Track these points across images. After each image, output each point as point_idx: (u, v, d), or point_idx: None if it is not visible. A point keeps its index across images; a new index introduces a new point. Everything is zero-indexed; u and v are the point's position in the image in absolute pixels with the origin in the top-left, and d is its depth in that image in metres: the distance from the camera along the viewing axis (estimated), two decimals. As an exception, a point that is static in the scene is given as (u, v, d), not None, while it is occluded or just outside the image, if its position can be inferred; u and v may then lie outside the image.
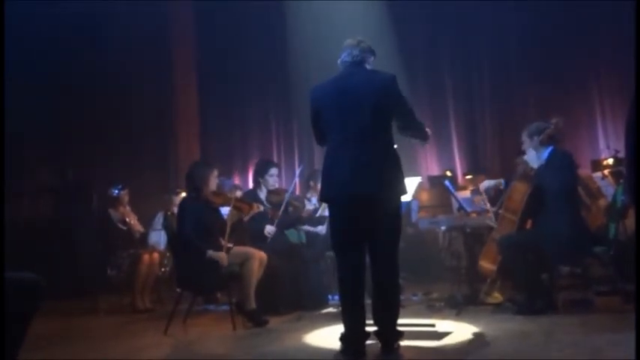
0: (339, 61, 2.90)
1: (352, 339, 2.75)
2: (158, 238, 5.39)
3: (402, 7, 6.73)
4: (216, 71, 7.79)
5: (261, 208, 4.40)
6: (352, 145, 2.71)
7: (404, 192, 2.80)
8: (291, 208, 4.67)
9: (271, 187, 4.67)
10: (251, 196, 4.64)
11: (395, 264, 2.76)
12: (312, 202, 5.00)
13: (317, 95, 2.87)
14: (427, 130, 2.96)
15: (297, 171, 5.87)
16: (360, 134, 2.71)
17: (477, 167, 6.98)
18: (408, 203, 5.12)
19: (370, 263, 2.78)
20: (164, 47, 7.36)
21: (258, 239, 4.44)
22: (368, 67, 2.88)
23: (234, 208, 4.23)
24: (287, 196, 4.57)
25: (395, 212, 2.76)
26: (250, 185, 6.85)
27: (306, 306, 4.34)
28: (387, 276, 2.74)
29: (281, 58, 7.47)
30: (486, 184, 4.15)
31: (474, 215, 4.32)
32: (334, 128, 2.79)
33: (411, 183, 5.16)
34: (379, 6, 6.63)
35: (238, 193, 5.31)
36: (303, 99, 8.32)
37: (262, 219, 4.48)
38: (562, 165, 3.70)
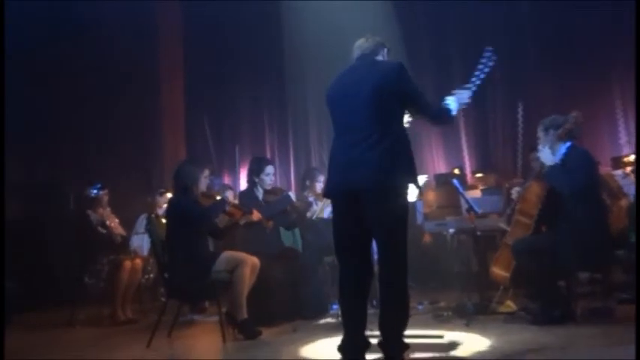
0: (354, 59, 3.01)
1: (350, 348, 2.75)
2: (141, 242, 5.39)
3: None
4: (205, 66, 7.82)
5: (258, 216, 4.44)
6: (350, 138, 2.78)
7: (407, 184, 2.79)
8: (289, 208, 4.69)
9: (268, 187, 4.70)
10: (248, 197, 4.65)
11: (399, 265, 2.73)
12: (314, 202, 5.03)
13: (328, 92, 2.98)
14: (450, 108, 2.94)
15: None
16: (359, 127, 2.77)
17: (487, 165, 6.98)
18: (413, 204, 5.14)
19: (378, 267, 2.80)
20: (151, 42, 7.38)
21: (250, 243, 4.44)
22: (380, 58, 2.97)
23: (225, 212, 4.24)
24: (285, 195, 4.59)
25: (397, 208, 2.74)
26: (241, 185, 6.86)
27: (303, 316, 4.34)
28: (391, 279, 2.73)
29: (275, 53, 7.51)
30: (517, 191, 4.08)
31: (484, 217, 4.33)
32: (338, 123, 2.89)
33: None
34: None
35: (229, 194, 5.29)
36: (298, 94, 8.35)
37: (259, 226, 4.52)
38: (580, 164, 3.69)
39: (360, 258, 2.80)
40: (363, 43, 2.97)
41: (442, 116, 2.95)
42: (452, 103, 2.96)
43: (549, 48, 6.81)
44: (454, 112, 2.95)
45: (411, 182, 2.79)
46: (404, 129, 2.84)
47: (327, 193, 3.01)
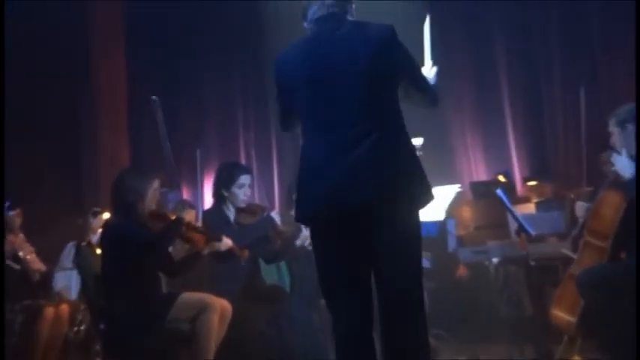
0: (305, 23, 2.94)
1: None
2: (67, 281, 5.36)
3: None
4: (155, 42, 7.86)
5: (228, 243, 4.39)
6: (337, 136, 2.70)
7: (424, 199, 2.77)
8: (271, 233, 4.69)
9: (241, 204, 4.68)
10: (215, 218, 4.63)
11: (417, 312, 2.72)
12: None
13: (284, 67, 2.89)
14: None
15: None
16: (351, 117, 2.71)
17: (544, 169, 7.04)
18: (442, 223, 5.18)
19: (380, 314, 2.76)
20: (81, 6, 7.44)
21: (219, 281, 4.43)
22: (351, 18, 2.91)
23: (183, 239, 4.23)
24: (266, 216, 4.60)
25: (409, 231, 2.73)
26: (206, 201, 6.79)
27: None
28: (405, 332, 2.70)
29: (252, 28, 7.65)
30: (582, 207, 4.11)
31: (540, 240, 4.35)
32: (312, 113, 2.80)
33: (445, 193, 5.10)
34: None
35: (190, 214, 5.23)
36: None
37: (231, 258, 4.51)
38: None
39: (359, 304, 2.77)
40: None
41: (432, 96, 2.97)
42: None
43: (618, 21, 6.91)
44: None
45: (429, 194, 2.78)
46: (403, 119, 2.82)
47: (304, 216, 2.85)
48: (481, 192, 6.42)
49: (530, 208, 5.68)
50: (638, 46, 5.01)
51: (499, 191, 4.59)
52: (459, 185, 6.27)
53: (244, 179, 4.68)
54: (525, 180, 6.99)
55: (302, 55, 2.85)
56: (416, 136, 6.55)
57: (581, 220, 4.10)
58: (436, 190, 5.29)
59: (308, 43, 2.88)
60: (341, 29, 2.82)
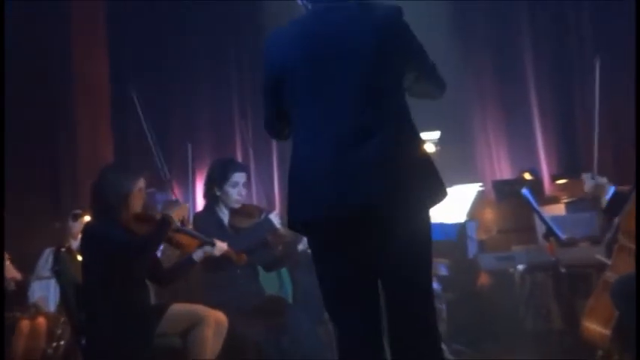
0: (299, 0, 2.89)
1: None
2: (45, 291, 5.38)
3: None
4: (139, 23, 7.94)
5: (223, 248, 4.39)
6: (338, 130, 2.65)
7: (436, 198, 2.74)
8: (271, 237, 4.70)
9: (236, 205, 4.67)
10: (208, 220, 4.64)
11: (429, 325, 2.73)
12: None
13: (277, 49, 2.82)
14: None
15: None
16: (352, 106, 2.67)
17: (575, 166, 7.02)
18: (461, 226, 5.17)
19: (388, 327, 2.76)
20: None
21: (213, 291, 4.44)
22: None
23: (172, 243, 4.23)
24: (264, 218, 4.60)
25: (420, 236, 2.72)
26: (198, 203, 6.82)
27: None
28: (417, 347, 2.70)
29: (252, 7, 7.78)
30: None
31: (571, 245, 4.35)
32: (308, 102, 2.75)
33: (465, 193, 5.10)
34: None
35: (180, 210, 5.26)
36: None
37: (226, 264, 4.52)
38: None
39: (367, 317, 2.77)
40: None
41: (440, 85, 2.97)
42: None
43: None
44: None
45: (442, 192, 2.74)
46: (409, 110, 2.79)
47: (300, 221, 2.77)
48: (505, 192, 6.44)
49: (559, 209, 5.70)
50: (638, 46, 5.13)
51: (525, 191, 4.60)
52: (480, 184, 6.27)
53: (238, 177, 4.66)
54: (554, 178, 6.99)
55: (297, 35, 2.79)
56: (432, 129, 6.60)
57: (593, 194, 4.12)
58: (455, 190, 5.34)
59: (302, 23, 2.84)
60: (342, 10, 2.77)
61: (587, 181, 4.23)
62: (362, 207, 2.60)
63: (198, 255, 4.31)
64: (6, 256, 5.27)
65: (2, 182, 5.45)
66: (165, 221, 4.07)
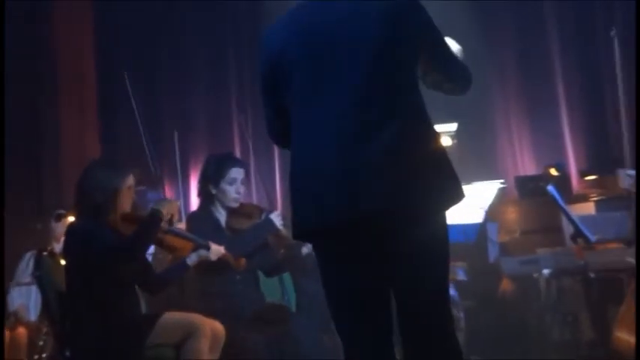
0: None
1: None
2: (26, 299, 5.41)
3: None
4: (136, 21, 8.06)
5: (220, 251, 4.40)
6: (345, 127, 2.64)
7: (453, 199, 2.73)
8: (272, 240, 4.72)
9: (233, 204, 4.69)
10: (203, 221, 4.66)
11: (446, 335, 2.73)
12: None
13: (276, 44, 2.81)
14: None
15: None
16: (359, 100, 2.65)
17: (605, 161, 7.03)
18: (481, 227, 5.17)
19: (401, 338, 2.76)
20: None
21: (209, 299, 4.46)
22: None
23: (162, 246, 4.26)
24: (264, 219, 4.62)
25: (434, 241, 2.72)
26: (192, 202, 6.87)
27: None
28: (433, 359, 2.72)
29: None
30: None
31: (601, 247, 4.37)
32: (309, 99, 2.74)
33: (486, 191, 5.12)
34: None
35: (171, 206, 5.29)
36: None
37: (223, 269, 4.53)
38: None
39: (378, 328, 2.79)
40: None
41: (465, 81, 2.95)
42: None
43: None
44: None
45: (459, 192, 2.73)
46: (423, 101, 2.77)
47: (305, 228, 2.75)
48: (529, 189, 6.45)
49: (588, 207, 5.71)
50: (638, 46, 5.29)
51: (551, 188, 4.58)
52: (501, 181, 6.29)
53: (236, 173, 4.66)
54: (582, 174, 7.02)
55: (296, 24, 2.78)
56: (449, 120, 6.64)
57: (629, 191, 4.14)
58: (474, 187, 5.34)
59: (300, 14, 2.81)
60: None
61: (624, 177, 4.25)
62: (372, 212, 2.58)
63: (192, 259, 4.31)
64: (-17, 260, 5.33)
65: (2, 182, 5.65)
66: (155, 216, 4.01)
